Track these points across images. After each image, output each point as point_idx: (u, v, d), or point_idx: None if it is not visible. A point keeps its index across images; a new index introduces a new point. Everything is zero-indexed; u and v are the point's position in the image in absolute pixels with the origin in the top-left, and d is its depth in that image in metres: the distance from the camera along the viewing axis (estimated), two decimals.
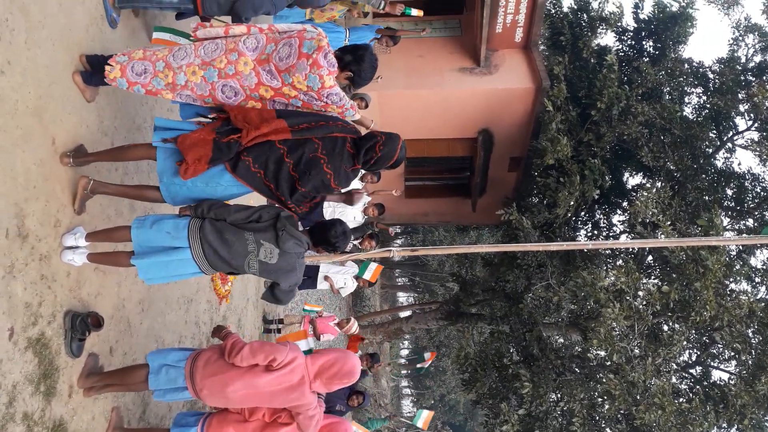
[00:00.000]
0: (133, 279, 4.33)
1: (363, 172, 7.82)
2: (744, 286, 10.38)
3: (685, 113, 10.86)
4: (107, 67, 3.54)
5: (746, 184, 10.92)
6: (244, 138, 3.36)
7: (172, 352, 3.65)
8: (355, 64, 3.54)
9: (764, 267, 10.63)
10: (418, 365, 9.48)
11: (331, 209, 8.42)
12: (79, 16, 3.73)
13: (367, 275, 8.24)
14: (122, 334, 4.20)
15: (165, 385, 3.55)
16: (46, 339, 3.26)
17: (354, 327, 8.41)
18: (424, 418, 7.71)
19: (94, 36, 3.88)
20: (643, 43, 11.63)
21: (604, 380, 9.16)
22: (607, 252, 10.94)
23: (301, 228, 3.64)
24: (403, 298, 37.25)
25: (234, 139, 3.38)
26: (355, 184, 8.72)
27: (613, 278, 8.99)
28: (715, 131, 10.73)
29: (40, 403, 3.18)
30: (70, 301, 3.53)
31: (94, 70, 3.62)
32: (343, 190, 8.24)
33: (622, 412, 9.15)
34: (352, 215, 8.63)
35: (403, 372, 36.68)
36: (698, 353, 10.79)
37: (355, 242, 8.36)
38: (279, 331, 8.84)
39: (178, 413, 4.41)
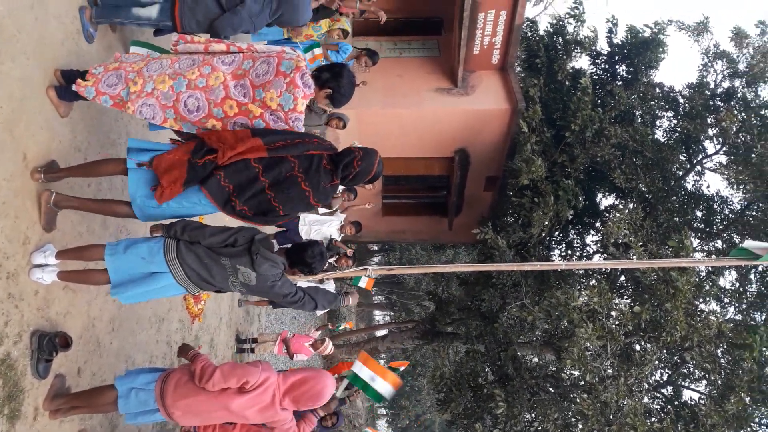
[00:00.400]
0: (104, 298, 4.24)
1: (342, 187, 7.86)
2: (713, 306, 10.57)
3: (656, 136, 11.09)
4: (83, 79, 3.48)
5: (715, 206, 11.17)
6: (220, 159, 3.31)
7: (141, 375, 3.57)
8: (334, 81, 3.56)
9: (733, 288, 10.84)
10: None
11: (306, 227, 8.39)
12: (55, 30, 3.68)
13: (362, 284, 8.88)
14: (91, 354, 4.10)
15: (136, 408, 3.47)
16: (11, 360, 3.17)
17: (328, 348, 8.34)
18: None
19: (70, 50, 3.84)
20: (617, 66, 11.89)
21: (577, 400, 9.20)
22: (581, 272, 11.06)
23: (276, 248, 3.62)
24: (379, 316, 37.06)
25: (209, 160, 3.34)
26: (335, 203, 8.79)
27: (586, 298, 9.07)
28: (685, 154, 10.98)
29: (3, 426, 3.08)
30: (38, 321, 3.44)
31: (68, 85, 3.57)
32: (322, 207, 8.30)
33: None
34: (328, 233, 8.61)
35: None
36: (669, 373, 10.91)
37: (331, 260, 8.34)
38: (252, 350, 8.72)
39: None
